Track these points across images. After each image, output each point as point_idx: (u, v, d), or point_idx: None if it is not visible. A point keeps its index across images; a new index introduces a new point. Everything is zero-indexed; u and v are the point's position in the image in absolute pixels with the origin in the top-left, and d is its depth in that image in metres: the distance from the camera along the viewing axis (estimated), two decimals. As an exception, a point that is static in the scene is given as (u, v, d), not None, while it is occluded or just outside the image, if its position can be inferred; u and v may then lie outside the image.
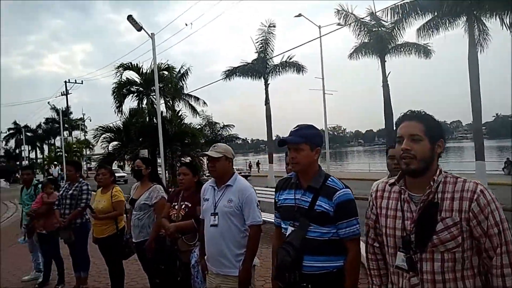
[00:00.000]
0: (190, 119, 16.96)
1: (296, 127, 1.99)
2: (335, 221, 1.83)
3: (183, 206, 3.27)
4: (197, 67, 16.61)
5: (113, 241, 4.21)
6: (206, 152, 2.62)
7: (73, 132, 41.09)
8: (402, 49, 18.27)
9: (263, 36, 24.09)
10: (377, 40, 17.56)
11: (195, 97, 24.05)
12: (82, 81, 35.27)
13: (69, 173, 4.89)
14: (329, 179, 1.91)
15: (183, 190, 3.37)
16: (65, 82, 32.90)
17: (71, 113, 40.21)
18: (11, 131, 52.40)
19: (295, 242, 1.83)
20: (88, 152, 32.84)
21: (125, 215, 4.43)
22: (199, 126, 18.33)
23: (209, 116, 28.20)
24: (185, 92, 20.73)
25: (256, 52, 24.75)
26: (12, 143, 53.82)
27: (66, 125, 33.41)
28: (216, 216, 2.53)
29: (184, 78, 20.48)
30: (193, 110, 23.54)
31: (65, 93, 33.02)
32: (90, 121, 44.92)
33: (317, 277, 1.82)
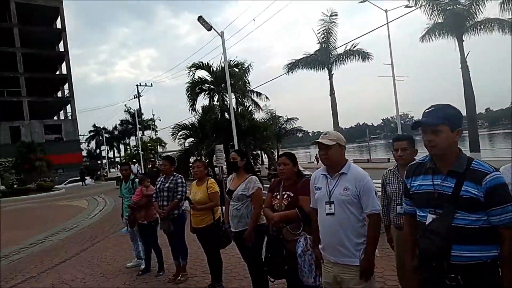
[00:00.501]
0: (255, 114, 17.12)
1: (430, 107, 1.87)
2: (486, 208, 1.69)
3: (285, 195, 3.29)
4: (254, 64, 16.80)
5: (211, 230, 4.39)
6: (318, 140, 2.58)
7: (145, 131, 43.92)
8: (482, 26, 16.70)
9: (325, 26, 23.62)
10: (453, 19, 16.23)
11: (257, 92, 24.36)
12: (151, 83, 37.55)
13: (164, 168, 5.19)
14: (474, 162, 1.77)
15: (283, 180, 3.38)
16: (137, 85, 35.20)
17: (142, 114, 43.02)
18: (91, 133, 57.50)
19: (440, 230, 1.73)
20: (160, 150, 34.94)
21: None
22: (263, 120, 18.51)
23: (273, 110, 28.39)
24: (248, 88, 21.09)
25: (318, 43, 24.33)
26: (93, 144, 59.13)
27: (138, 126, 35.72)
28: (332, 205, 2.49)
29: (247, 74, 20.91)
30: (256, 105, 23.91)
31: (137, 96, 35.28)
32: (160, 120, 47.71)
33: (468, 268, 1.70)
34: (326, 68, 23.80)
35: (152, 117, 48.20)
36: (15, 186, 26.42)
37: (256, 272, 3.95)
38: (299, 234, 3.14)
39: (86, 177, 34.55)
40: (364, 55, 23.31)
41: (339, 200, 2.46)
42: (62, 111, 50.08)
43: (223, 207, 4.49)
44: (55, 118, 50.56)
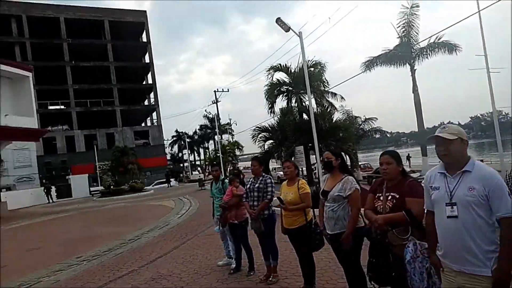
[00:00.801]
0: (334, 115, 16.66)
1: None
2: None
3: (389, 197, 3.07)
4: (327, 64, 16.33)
5: (303, 232, 4.32)
6: (438, 134, 2.35)
7: (222, 135, 45.68)
8: None
9: (405, 19, 22.26)
10: None
11: (332, 92, 23.86)
12: (228, 89, 38.98)
13: (253, 168, 5.25)
14: None
15: (386, 181, 3.17)
16: (215, 91, 36.80)
17: (219, 118, 44.88)
18: (174, 138, 61.52)
19: None
20: (238, 153, 36.07)
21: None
22: (341, 121, 17.97)
23: (349, 111, 27.51)
24: (326, 88, 20.65)
25: (398, 37, 23.01)
26: (175, 148, 63.22)
27: (216, 130, 37.26)
28: (454, 207, 2.24)
29: (323, 74, 20.52)
30: (332, 106, 23.37)
31: (215, 101, 36.81)
32: (236, 125, 49.19)
33: None
34: (407, 64, 22.43)
35: (229, 121, 50.03)
36: (112, 187, 29.29)
37: (353, 276, 3.78)
38: (407, 239, 2.91)
39: (171, 179, 36.97)
40: (451, 47, 21.44)
41: (464, 201, 2.21)
42: (148, 118, 54.47)
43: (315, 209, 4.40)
44: (143, 124, 55.15)
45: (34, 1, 43.08)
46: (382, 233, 3.05)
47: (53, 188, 32.57)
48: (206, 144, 61.99)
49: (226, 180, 5.95)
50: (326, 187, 3.93)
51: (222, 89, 34.98)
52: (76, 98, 44.27)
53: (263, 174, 5.24)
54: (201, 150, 64.94)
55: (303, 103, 12.62)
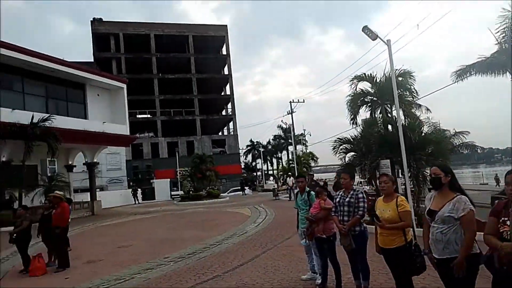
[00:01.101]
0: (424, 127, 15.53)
1: None
2: None
3: (519, 222, 2.67)
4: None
5: (402, 253, 3.98)
6: None
7: (296, 146, 45.55)
8: None
9: (505, 24, 20.08)
10: None
11: (416, 103, 22.30)
12: (304, 100, 38.83)
13: (344, 181, 5.04)
14: None
15: (514, 203, 2.77)
16: (290, 102, 36.86)
17: (293, 129, 44.88)
18: (248, 148, 62.95)
19: None
20: (312, 164, 35.55)
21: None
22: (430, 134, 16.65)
23: (436, 123, 25.44)
24: (415, 99, 19.42)
25: (496, 43, 20.83)
26: (249, 157, 64.61)
27: (291, 140, 37.20)
28: None
29: (412, 84, 19.26)
30: (417, 118, 21.81)
31: (290, 112, 36.89)
32: (310, 135, 48.72)
33: None
34: (508, 72, 20.14)
35: (303, 132, 49.76)
36: (191, 192, 30.80)
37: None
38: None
39: (245, 187, 37.76)
40: None
41: None
42: (225, 127, 56.60)
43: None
44: (220, 133, 57.45)
45: (129, 20, 47.82)
46: (509, 262, 2.66)
47: (139, 190, 35.31)
48: (279, 154, 62.34)
49: (312, 192, 5.80)
50: (433, 206, 3.57)
51: (298, 100, 34.89)
52: (161, 108, 47.83)
53: (354, 187, 5.01)
54: (274, 160, 65.50)
55: (389, 114, 11.97)
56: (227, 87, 52.80)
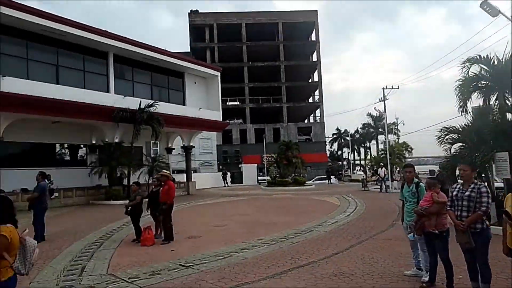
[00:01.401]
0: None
1: None
2: None
3: None
4: None
5: (539, 258, 3.48)
6: None
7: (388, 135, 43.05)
8: None
9: None
10: None
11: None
12: (398, 86, 36.26)
13: (464, 173, 4.56)
14: None
15: None
16: (383, 88, 34.64)
17: (384, 118, 42.32)
18: (334, 136, 61.42)
19: None
20: (406, 155, 33.28)
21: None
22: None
23: None
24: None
25: None
26: (335, 146, 63.09)
27: (383, 129, 35.21)
28: None
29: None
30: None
31: (382, 99, 34.81)
32: (403, 124, 45.54)
33: None
34: None
35: (395, 120, 46.73)
36: (277, 178, 31.32)
37: None
38: None
39: (331, 176, 37.09)
40: None
41: None
42: (311, 115, 55.99)
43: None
44: (306, 121, 57.05)
45: (223, 11, 49.68)
46: None
47: (229, 174, 37.05)
48: (368, 143, 59.68)
49: (422, 184, 5.38)
50: None
51: (392, 86, 32.69)
52: (250, 95, 49.14)
53: (475, 180, 4.51)
54: (362, 150, 62.94)
55: (507, 101, 10.53)
56: (315, 74, 51.95)
